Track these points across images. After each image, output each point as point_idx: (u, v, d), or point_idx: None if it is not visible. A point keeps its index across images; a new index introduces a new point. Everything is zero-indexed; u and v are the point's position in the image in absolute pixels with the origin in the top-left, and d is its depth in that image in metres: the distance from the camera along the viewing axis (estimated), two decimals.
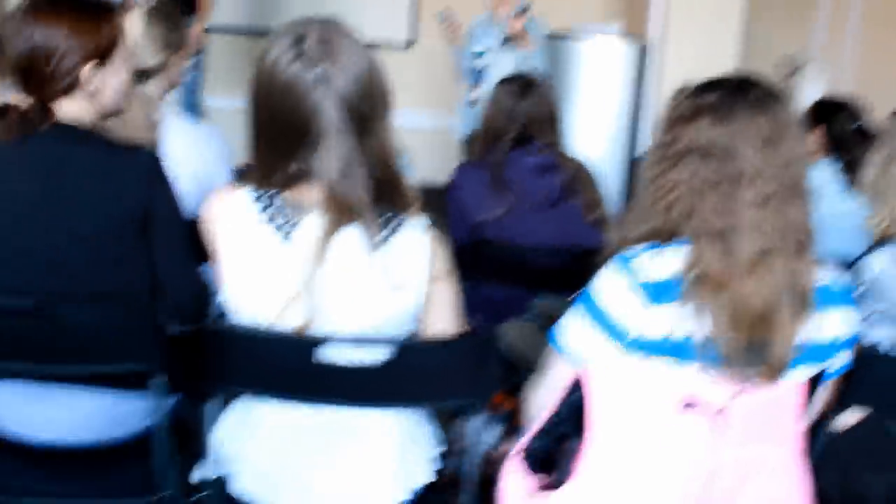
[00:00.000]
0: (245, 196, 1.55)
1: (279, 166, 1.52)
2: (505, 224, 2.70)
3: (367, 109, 1.51)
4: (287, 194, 1.53)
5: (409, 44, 6.80)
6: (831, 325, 1.52)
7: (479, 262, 2.60)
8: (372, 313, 1.54)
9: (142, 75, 2.31)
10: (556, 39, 5.14)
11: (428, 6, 6.81)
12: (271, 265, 1.52)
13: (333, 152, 1.48)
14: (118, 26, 1.84)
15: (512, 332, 2.46)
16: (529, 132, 2.81)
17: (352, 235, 1.51)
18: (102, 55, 1.79)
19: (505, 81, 2.94)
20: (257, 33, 6.95)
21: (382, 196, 1.53)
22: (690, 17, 5.01)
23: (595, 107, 5.27)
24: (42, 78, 1.75)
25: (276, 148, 1.53)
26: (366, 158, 1.50)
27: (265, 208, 1.53)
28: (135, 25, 2.34)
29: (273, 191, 1.54)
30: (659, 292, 1.46)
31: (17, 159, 1.76)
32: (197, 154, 2.39)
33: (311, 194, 1.51)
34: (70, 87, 1.77)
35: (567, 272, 2.52)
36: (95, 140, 1.79)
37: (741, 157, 1.47)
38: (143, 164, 1.78)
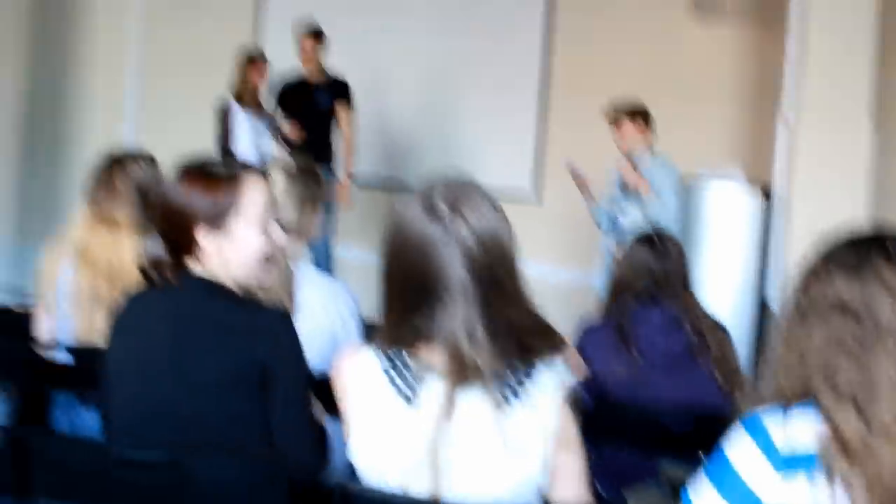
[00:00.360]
0: (371, 356, 1.58)
1: (406, 325, 1.54)
2: (630, 384, 2.66)
3: (495, 267, 1.53)
4: (413, 354, 1.55)
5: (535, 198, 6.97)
6: None
7: (602, 424, 2.56)
8: (496, 480, 1.52)
9: (288, 231, 2.43)
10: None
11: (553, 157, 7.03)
12: (395, 428, 1.53)
13: (458, 312, 1.49)
14: (244, 194, 1.89)
15: (646, 499, 2.39)
16: (658, 290, 2.79)
17: (476, 398, 1.51)
18: (213, 221, 1.86)
19: (638, 238, 2.94)
20: (391, 187, 7.27)
21: (513, 353, 1.52)
22: (817, 163, 4.94)
23: (720, 255, 5.22)
24: (168, 236, 1.89)
25: (404, 306, 1.55)
26: (494, 317, 1.51)
27: (390, 369, 1.55)
28: (278, 185, 2.47)
29: (398, 350, 1.56)
30: (793, 460, 1.39)
31: (149, 312, 1.88)
32: (329, 309, 2.48)
33: (435, 355, 1.52)
34: (189, 249, 1.87)
35: (693, 435, 2.47)
36: (226, 295, 1.87)
37: (879, 314, 1.41)
38: (268, 322, 1.84)
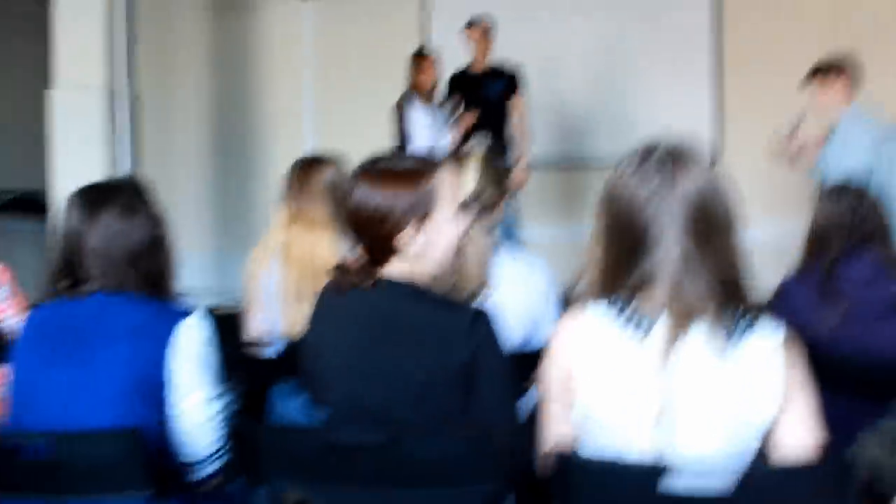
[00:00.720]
0: (597, 310, 1.60)
1: (623, 275, 1.58)
2: (839, 337, 2.55)
3: (709, 219, 1.55)
4: (634, 302, 1.57)
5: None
6: None
7: (817, 378, 2.46)
8: (724, 423, 1.53)
9: (482, 213, 2.47)
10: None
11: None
12: (630, 371, 1.55)
13: (677, 259, 1.53)
14: (440, 184, 1.89)
15: (870, 448, 2.27)
16: (858, 241, 2.71)
17: (700, 340, 1.52)
18: (421, 216, 1.87)
19: (829, 191, 2.86)
20: (567, 166, 7.25)
21: (729, 299, 1.54)
22: None
23: None
24: (367, 238, 1.89)
25: (621, 257, 1.59)
26: (707, 263, 1.53)
27: (618, 315, 1.57)
28: (471, 173, 2.52)
29: (620, 297, 1.58)
30: None
31: (346, 311, 1.90)
32: (526, 285, 2.50)
33: (655, 300, 1.55)
34: (392, 249, 1.87)
35: None
36: (421, 297, 1.88)
37: None
38: (466, 321, 1.82)
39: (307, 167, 3.06)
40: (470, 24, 6.01)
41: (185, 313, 2.05)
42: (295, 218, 2.99)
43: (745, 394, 1.54)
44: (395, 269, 1.88)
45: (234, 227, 7.88)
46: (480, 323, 1.83)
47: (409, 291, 1.87)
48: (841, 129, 4.55)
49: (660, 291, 1.55)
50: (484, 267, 2.38)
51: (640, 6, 7.20)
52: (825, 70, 4.68)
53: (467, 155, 2.63)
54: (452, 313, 1.86)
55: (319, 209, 2.97)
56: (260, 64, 8.14)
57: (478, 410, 1.82)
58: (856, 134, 4.49)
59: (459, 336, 1.80)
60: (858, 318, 2.61)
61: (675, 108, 7.05)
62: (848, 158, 4.44)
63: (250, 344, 2.94)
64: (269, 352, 2.83)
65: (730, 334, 1.53)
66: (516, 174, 5.81)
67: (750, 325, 1.55)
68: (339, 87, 7.88)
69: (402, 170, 1.90)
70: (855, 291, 2.65)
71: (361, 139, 6.92)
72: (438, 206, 1.88)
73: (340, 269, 1.90)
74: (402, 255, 1.87)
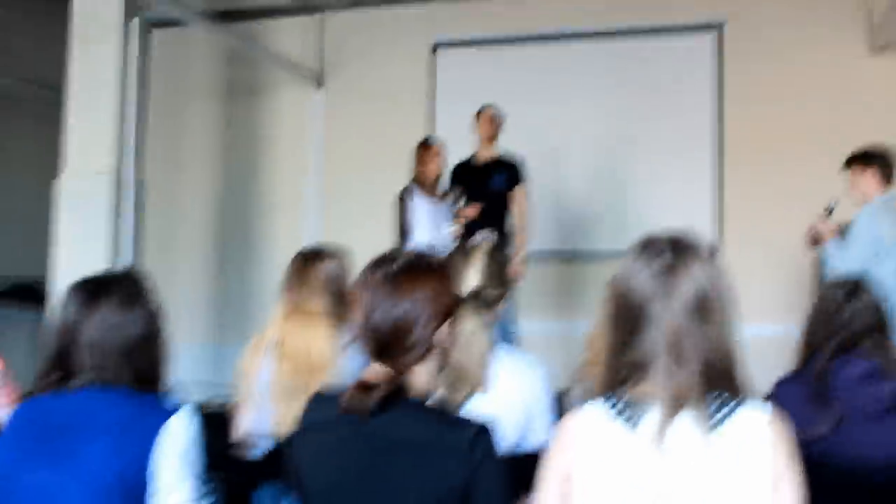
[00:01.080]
0: (596, 408, 1.63)
1: (625, 366, 1.62)
2: (832, 441, 2.51)
3: (705, 309, 1.59)
4: (632, 389, 1.61)
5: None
6: None
7: (811, 487, 2.40)
8: None
9: (483, 309, 2.45)
10: None
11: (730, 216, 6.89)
12: (625, 464, 1.56)
13: (666, 342, 1.58)
14: (453, 285, 1.90)
15: None
16: (854, 339, 2.67)
17: (690, 426, 1.55)
18: (452, 313, 1.85)
19: (830, 285, 2.83)
20: (566, 258, 7.29)
21: (720, 387, 1.58)
22: None
23: None
24: (401, 349, 1.79)
25: (619, 346, 1.64)
26: (700, 350, 1.57)
27: (614, 408, 1.61)
28: (478, 265, 2.51)
29: (620, 390, 1.62)
30: None
31: (355, 433, 1.78)
32: (521, 385, 2.47)
33: (648, 387, 1.59)
34: (427, 353, 1.81)
35: None
36: (432, 416, 1.81)
37: None
38: (469, 439, 1.74)
39: (307, 259, 3.06)
40: (482, 111, 6.10)
41: (173, 410, 2.03)
42: (293, 311, 2.98)
43: (736, 477, 1.53)
44: (417, 379, 1.83)
45: (232, 318, 7.90)
46: (481, 441, 1.75)
47: (424, 412, 1.81)
48: (853, 222, 4.55)
49: (652, 378, 1.59)
50: (483, 366, 2.36)
51: (643, 100, 7.34)
52: (856, 159, 4.69)
53: (472, 249, 2.63)
54: (453, 431, 1.77)
55: (318, 303, 2.96)
56: (267, 151, 8.27)
57: None
58: (861, 226, 4.47)
59: (459, 455, 1.73)
60: (852, 421, 2.56)
61: (676, 204, 7.14)
62: (848, 252, 4.44)
63: (237, 443, 2.89)
64: (256, 452, 2.78)
65: (717, 418, 1.56)
66: (514, 267, 5.82)
67: (737, 406, 1.58)
68: (346, 175, 7.98)
69: (431, 274, 1.84)
70: (847, 393, 2.60)
71: (365, 230, 7.03)
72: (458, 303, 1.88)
73: (364, 386, 1.77)
74: (430, 358, 1.83)
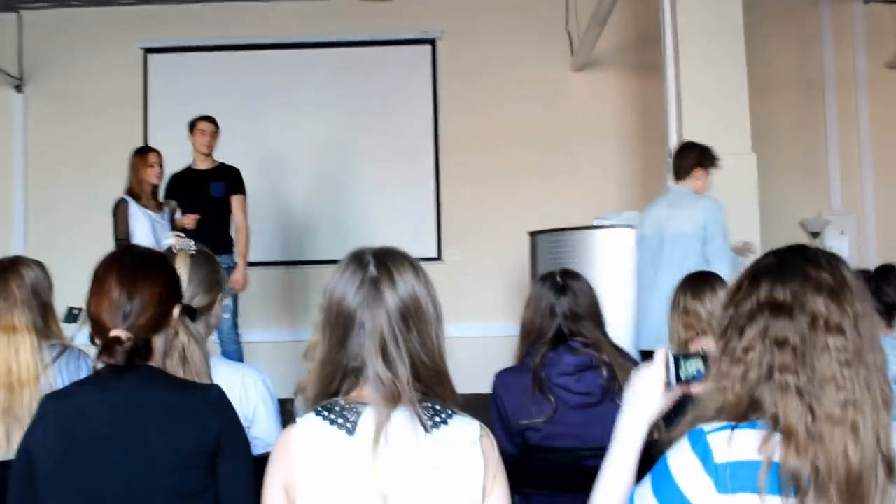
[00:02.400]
0: (311, 421, 1.65)
1: (339, 374, 1.68)
2: (548, 429, 2.66)
3: (410, 315, 1.68)
4: (347, 397, 1.67)
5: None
6: None
7: (529, 473, 2.54)
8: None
9: (192, 315, 2.37)
10: (578, 231, 5.30)
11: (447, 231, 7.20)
12: (346, 469, 1.60)
13: (376, 346, 1.65)
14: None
15: None
16: (570, 329, 2.78)
17: (403, 429, 1.61)
18: (180, 300, 2.00)
19: (543, 277, 2.92)
20: (290, 266, 7.29)
21: (432, 389, 1.67)
22: None
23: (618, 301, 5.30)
24: (142, 314, 1.87)
25: (338, 358, 1.69)
26: (408, 353, 1.65)
27: (330, 417, 1.64)
28: (181, 269, 2.43)
29: (333, 400, 1.66)
30: (734, 477, 1.41)
31: (94, 400, 1.83)
32: (241, 398, 2.43)
33: (365, 392, 1.65)
34: (162, 325, 1.93)
35: None
36: (169, 379, 1.91)
37: (810, 307, 1.46)
38: (213, 397, 1.87)
39: (7, 268, 2.84)
40: (196, 123, 5.94)
41: None
42: None
43: (449, 482, 1.60)
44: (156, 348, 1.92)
45: None
46: (224, 400, 1.88)
47: (159, 375, 1.90)
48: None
49: (364, 383, 1.65)
50: (201, 376, 2.30)
51: (365, 108, 7.49)
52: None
53: (174, 257, 2.54)
54: (200, 393, 1.88)
55: (20, 315, 2.75)
56: None
57: (223, 487, 1.83)
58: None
59: (206, 412, 1.83)
60: (567, 409, 2.68)
61: (401, 210, 7.38)
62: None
63: None
64: None
65: (431, 423, 1.62)
66: (235, 277, 5.73)
67: (451, 415, 1.65)
68: (54, 185, 7.51)
69: (156, 259, 1.99)
70: (563, 383, 2.71)
71: (77, 241, 6.65)
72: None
73: (116, 340, 1.83)
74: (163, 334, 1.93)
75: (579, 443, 2.62)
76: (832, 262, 1.53)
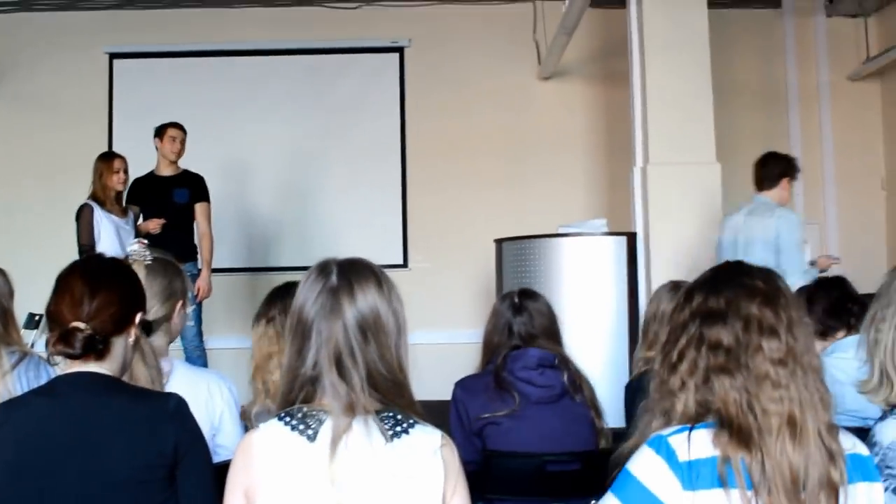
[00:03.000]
0: (274, 426, 1.66)
1: (300, 384, 1.68)
2: (509, 423, 2.70)
3: (369, 326, 1.68)
4: (308, 404, 1.67)
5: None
6: (862, 499, 1.51)
7: (492, 479, 2.56)
8: None
9: (147, 327, 2.34)
10: (543, 239, 5.34)
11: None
12: (305, 476, 1.60)
13: (333, 356, 1.66)
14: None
15: None
16: (527, 345, 2.85)
17: (363, 437, 1.62)
18: (143, 309, 1.98)
19: (503, 296, 3.01)
20: (254, 272, 7.25)
21: (391, 399, 1.67)
22: (670, 203, 5.17)
23: (590, 304, 5.33)
24: (104, 312, 1.85)
25: (299, 367, 1.69)
26: (366, 362, 1.66)
27: (291, 423, 1.65)
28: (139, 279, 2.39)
29: (297, 406, 1.67)
30: (697, 474, 1.46)
31: (51, 410, 1.80)
32: (206, 401, 2.41)
33: (326, 400, 1.66)
34: (125, 328, 1.90)
35: (580, 476, 2.50)
36: (125, 388, 1.88)
37: (744, 312, 1.53)
38: (171, 407, 1.83)
39: None
40: (174, 125, 5.89)
41: None
42: None
43: (409, 490, 1.61)
44: (92, 368, 1.86)
45: None
46: (183, 409, 1.85)
47: (113, 384, 1.86)
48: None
49: (322, 392, 1.66)
50: (157, 379, 2.28)
51: (333, 115, 7.49)
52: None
53: (140, 260, 2.51)
54: (157, 401, 1.86)
55: None
56: None
57: (183, 494, 1.80)
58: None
59: (165, 421, 1.80)
60: (528, 403, 2.74)
61: (368, 218, 7.38)
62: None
63: None
64: None
65: (391, 433, 1.63)
66: (200, 283, 5.69)
67: (412, 424, 1.66)
68: (16, 189, 7.42)
69: (123, 267, 1.99)
70: (526, 377, 2.78)
71: (40, 242, 6.59)
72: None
73: (75, 329, 1.81)
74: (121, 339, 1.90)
75: (538, 437, 2.68)
76: (767, 273, 1.61)
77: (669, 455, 1.48)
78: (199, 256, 5.87)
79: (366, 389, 1.65)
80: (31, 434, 1.77)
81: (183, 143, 5.89)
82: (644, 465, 1.51)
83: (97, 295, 1.86)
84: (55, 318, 1.85)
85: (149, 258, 2.52)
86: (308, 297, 1.70)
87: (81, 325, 1.82)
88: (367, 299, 1.70)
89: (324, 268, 1.74)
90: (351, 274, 1.73)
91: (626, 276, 5.32)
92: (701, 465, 1.46)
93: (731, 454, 1.45)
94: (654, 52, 5.30)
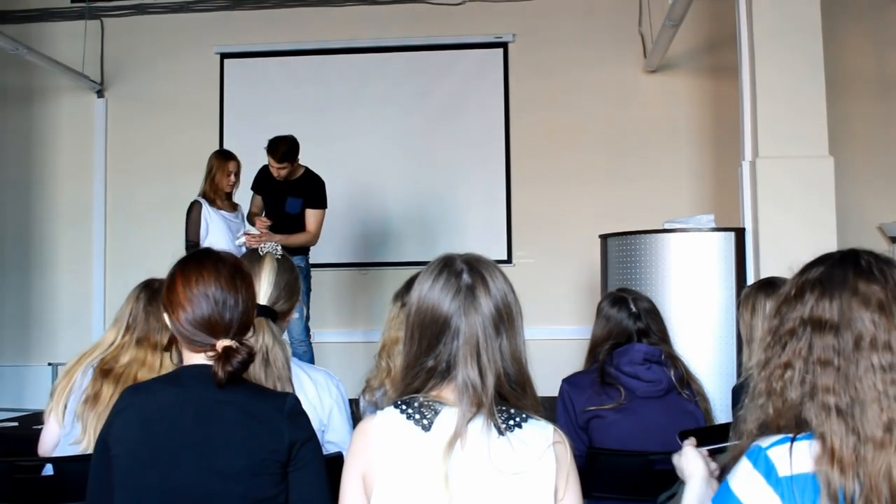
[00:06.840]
0: (390, 414, 1.70)
1: (423, 372, 1.73)
2: (613, 416, 2.69)
3: (500, 322, 1.71)
4: (427, 395, 1.71)
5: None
6: None
7: (597, 477, 2.55)
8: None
9: (274, 318, 2.41)
10: (649, 235, 5.26)
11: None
12: (420, 465, 1.63)
13: (467, 351, 1.69)
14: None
15: None
16: (633, 336, 2.90)
17: (479, 431, 1.64)
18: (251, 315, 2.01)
19: (614, 301, 3.02)
20: (364, 269, 7.36)
21: (511, 395, 1.69)
22: (781, 199, 5.03)
23: (698, 302, 5.24)
24: (242, 328, 1.92)
25: (424, 357, 1.73)
26: (496, 359, 1.69)
27: (408, 412, 1.69)
28: (266, 272, 2.47)
29: (413, 396, 1.71)
30: (800, 490, 1.41)
31: (176, 398, 1.87)
32: (316, 399, 2.46)
33: (448, 392, 1.70)
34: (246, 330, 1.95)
35: None
36: (246, 384, 1.94)
37: (857, 325, 1.44)
38: (288, 408, 1.88)
39: (156, 292, 2.82)
40: (273, 149, 5.74)
41: None
42: (140, 341, 2.78)
43: (522, 483, 1.62)
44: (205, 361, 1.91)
45: (10, 335, 7.36)
46: (299, 408, 1.91)
47: (240, 380, 1.90)
48: None
49: (450, 385, 1.69)
50: (283, 379, 2.33)
51: (440, 112, 7.56)
52: None
53: (261, 259, 2.58)
54: (275, 400, 1.92)
55: (166, 335, 2.78)
56: (46, 161, 7.83)
57: (295, 493, 1.86)
58: None
59: (281, 421, 1.85)
60: (635, 398, 2.76)
61: (475, 213, 7.43)
62: None
63: (30, 461, 2.70)
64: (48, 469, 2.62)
65: (507, 426, 1.65)
66: (261, 226, 5.70)
67: (526, 419, 1.68)
68: (131, 185, 7.70)
69: (241, 267, 1.99)
70: (632, 372, 2.80)
71: (155, 237, 6.83)
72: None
73: (230, 350, 1.86)
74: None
75: (643, 431, 2.69)
76: (884, 270, 1.50)
77: (769, 470, 1.44)
78: (307, 253, 5.97)
79: (494, 384, 1.67)
80: (155, 420, 1.84)
81: (286, 162, 5.77)
82: (742, 481, 1.47)
83: (237, 301, 1.91)
84: (195, 328, 1.89)
85: (279, 253, 2.60)
86: (442, 296, 1.73)
87: (232, 343, 1.87)
88: (500, 293, 1.74)
89: (449, 264, 1.77)
90: (481, 269, 1.76)
91: (735, 273, 5.20)
92: (803, 480, 1.41)
93: (831, 477, 1.39)
94: (764, 42, 5.15)
